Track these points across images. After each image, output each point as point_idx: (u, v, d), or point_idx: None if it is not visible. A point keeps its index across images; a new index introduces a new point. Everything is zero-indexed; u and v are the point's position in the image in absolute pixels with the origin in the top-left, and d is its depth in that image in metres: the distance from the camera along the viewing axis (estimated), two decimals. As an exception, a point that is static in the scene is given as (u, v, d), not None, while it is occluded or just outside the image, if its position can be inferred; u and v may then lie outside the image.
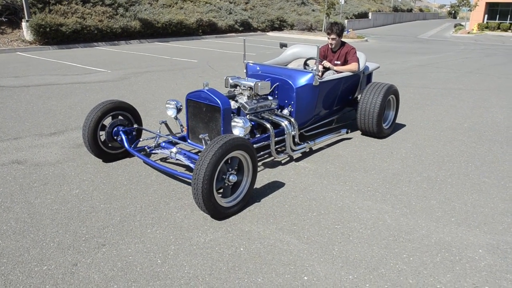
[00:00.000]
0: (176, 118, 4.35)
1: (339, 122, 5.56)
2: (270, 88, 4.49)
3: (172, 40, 18.40)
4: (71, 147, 4.72)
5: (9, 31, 14.65)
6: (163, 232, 2.99)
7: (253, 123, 4.27)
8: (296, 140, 4.39)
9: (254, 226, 3.10)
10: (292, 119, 4.35)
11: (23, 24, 14.28)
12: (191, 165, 3.62)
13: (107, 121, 4.20)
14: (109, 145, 4.25)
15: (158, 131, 4.22)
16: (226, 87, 4.54)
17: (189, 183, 3.80)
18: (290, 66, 5.78)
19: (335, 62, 5.32)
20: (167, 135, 4.30)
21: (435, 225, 3.17)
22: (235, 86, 4.50)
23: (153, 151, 4.13)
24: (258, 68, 5.00)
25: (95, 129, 4.04)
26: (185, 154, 3.81)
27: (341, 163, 4.44)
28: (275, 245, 2.86)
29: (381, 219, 3.25)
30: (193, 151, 4.10)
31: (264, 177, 4.02)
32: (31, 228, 3.02)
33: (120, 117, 4.30)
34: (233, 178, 3.19)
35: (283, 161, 4.43)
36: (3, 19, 14.57)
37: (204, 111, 3.97)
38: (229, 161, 3.22)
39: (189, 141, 4.22)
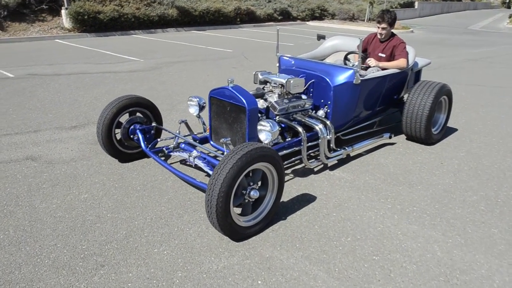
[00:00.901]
0: (198, 116, 3.96)
1: (382, 125, 4.95)
2: (304, 86, 3.98)
3: (209, 29, 18.06)
4: (89, 143, 4.44)
5: (50, 18, 14.81)
6: (171, 253, 2.60)
7: (283, 125, 3.80)
8: (331, 145, 3.88)
9: (277, 251, 2.65)
10: (328, 122, 3.83)
11: (63, 11, 14.37)
12: (210, 172, 3.21)
13: (124, 118, 3.86)
14: (125, 144, 3.91)
15: (177, 131, 3.84)
16: (255, 83, 4.08)
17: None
18: (328, 60, 5.23)
19: (380, 54, 4.72)
20: (186, 135, 3.90)
21: (497, 263, 2.59)
22: (265, 82, 4.02)
23: (172, 153, 3.76)
24: (292, 62, 4.50)
25: (110, 127, 3.71)
26: (205, 159, 3.41)
27: (382, 174, 3.89)
28: (300, 279, 2.40)
29: (430, 250, 2.71)
30: (217, 153, 3.69)
31: (293, 187, 3.55)
32: (28, 239, 2.72)
33: (138, 114, 3.95)
34: (254, 194, 2.73)
35: (315, 169, 3.93)
36: (44, 6, 14.74)
37: (228, 110, 3.54)
38: (251, 174, 2.77)
39: (211, 142, 3.81)
